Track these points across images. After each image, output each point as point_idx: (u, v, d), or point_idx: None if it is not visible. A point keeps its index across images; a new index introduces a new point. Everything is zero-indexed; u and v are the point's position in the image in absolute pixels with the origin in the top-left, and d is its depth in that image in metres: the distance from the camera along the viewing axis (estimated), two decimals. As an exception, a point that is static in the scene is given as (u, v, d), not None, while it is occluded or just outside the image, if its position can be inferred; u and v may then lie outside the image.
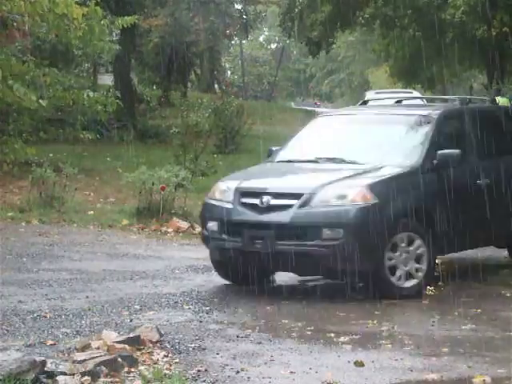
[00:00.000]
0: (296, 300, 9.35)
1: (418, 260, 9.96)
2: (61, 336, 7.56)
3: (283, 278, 10.18)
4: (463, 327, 8.36)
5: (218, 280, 10.42)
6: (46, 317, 8.30)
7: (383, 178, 10.23)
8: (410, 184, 10.19)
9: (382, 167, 10.48)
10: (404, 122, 11.55)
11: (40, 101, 16.30)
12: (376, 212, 9.64)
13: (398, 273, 9.79)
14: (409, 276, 9.87)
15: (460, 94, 40.60)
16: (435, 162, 10.39)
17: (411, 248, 9.91)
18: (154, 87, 36.12)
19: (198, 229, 14.09)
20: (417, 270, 9.92)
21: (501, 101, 23.28)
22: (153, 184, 14.82)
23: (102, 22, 18.13)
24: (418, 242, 9.91)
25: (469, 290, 10.02)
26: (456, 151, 10.48)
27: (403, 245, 9.86)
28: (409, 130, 11.43)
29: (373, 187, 9.82)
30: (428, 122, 11.12)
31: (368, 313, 8.97)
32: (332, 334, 8.02)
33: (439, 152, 10.40)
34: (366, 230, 9.53)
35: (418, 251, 9.92)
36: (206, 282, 10.37)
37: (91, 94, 19.23)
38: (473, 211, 10.71)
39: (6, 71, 16.20)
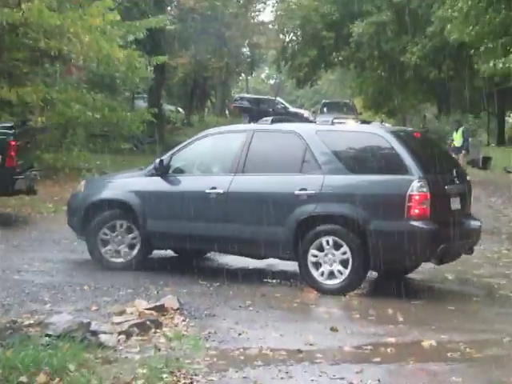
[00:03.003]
0: (286, 280, 9.34)
1: None
2: (102, 303, 7.56)
3: (273, 261, 10.16)
4: (414, 302, 8.37)
5: (226, 261, 10.39)
6: (90, 288, 8.30)
7: None
8: None
9: None
10: None
11: (95, 115, 16.49)
12: None
13: None
14: None
15: (416, 122, 40.81)
16: None
17: None
18: (180, 110, 36.22)
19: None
20: None
21: (455, 136, 22.65)
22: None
23: (140, 60, 18.26)
24: None
25: (422, 273, 10.00)
26: None
27: None
28: None
29: None
30: None
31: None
32: (313, 306, 8.04)
33: None
34: None
35: None
36: (218, 259, 10.39)
37: (130, 114, 19.35)
38: None
39: (66, 95, 16.32)
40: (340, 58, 32.39)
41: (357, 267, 8.19)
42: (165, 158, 9.48)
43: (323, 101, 40.60)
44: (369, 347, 6.46)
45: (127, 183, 9.79)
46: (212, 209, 8.94)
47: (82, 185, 10.23)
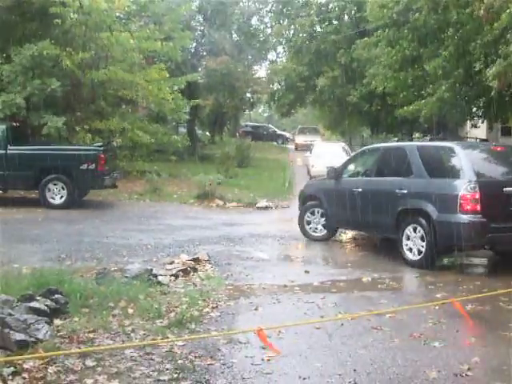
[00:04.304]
0: (276, 241, 9.35)
1: None
2: (159, 256, 7.59)
3: (268, 229, 10.13)
4: (359, 253, 8.37)
5: (237, 230, 10.36)
6: (152, 247, 8.33)
7: None
8: None
9: None
10: None
11: (152, 138, 16.54)
12: None
13: None
14: None
15: (357, 140, 40.79)
16: None
17: None
18: (207, 133, 36.14)
19: (227, 204, 14.16)
20: None
21: None
22: (206, 182, 14.83)
23: (181, 102, 18.28)
24: None
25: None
26: None
27: None
28: None
29: None
30: None
31: (311, 246, 8.97)
32: (293, 257, 8.06)
33: None
34: None
35: None
36: (232, 230, 10.35)
37: (175, 137, 19.31)
38: None
39: (134, 125, 16.31)
40: (309, 100, 32.51)
41: (430, 249, 7.09)
42: (337, 167, 9.15)
43: (299, 126, 40.87)
44: (329, 282, 6.48)
45: (319, 184, 9.64)
46: (356, 202, 8.25)
47: (304, 185, 10.19)
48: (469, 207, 6.76)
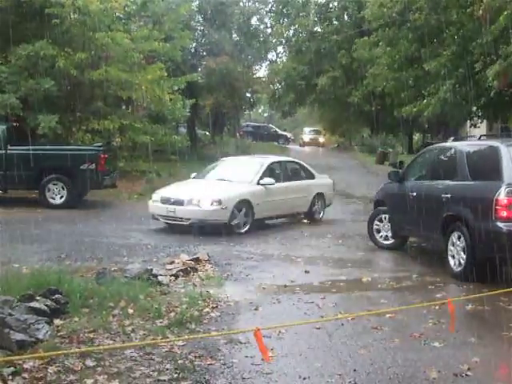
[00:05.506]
0: (276, 241, 9.34)
1: None
2: (160, 256, 7.58)
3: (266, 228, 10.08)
4: (358, 253, 8.37)
5: (235, 232, 10.34)
6: (152, 247, 8.30)
7: None
8: None
9: None
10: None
11: (151, 138, 16.53)
12: None
13: None
14: None
15: (357, 140, 40.92)
16: None
17: None
18: (207, 134, 36.20)
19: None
20: None
21: None
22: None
23: (182, 101, 18.30)
24: None
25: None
26: None
27: None
28: None
29: None
30: None
31: (312, 246, 8.96)
32: (293, 257, 8.02)
33: None
34: None
35: None
36: (230, 232, 10.32)
37: (175, 137, 19.33)
38: None
39: (135, 127, 16.32)
40: (309, 99, 32.58)
41: (470, 258, 6.37)
42: (400, 170, 8.66)
43: (304, 128, 42.82)
44: (329, 282, 6.48)
45: (385, 188, 8.97)
46: (411, 207, 7.66)
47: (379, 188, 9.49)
48: (505, 214, 5.97)
